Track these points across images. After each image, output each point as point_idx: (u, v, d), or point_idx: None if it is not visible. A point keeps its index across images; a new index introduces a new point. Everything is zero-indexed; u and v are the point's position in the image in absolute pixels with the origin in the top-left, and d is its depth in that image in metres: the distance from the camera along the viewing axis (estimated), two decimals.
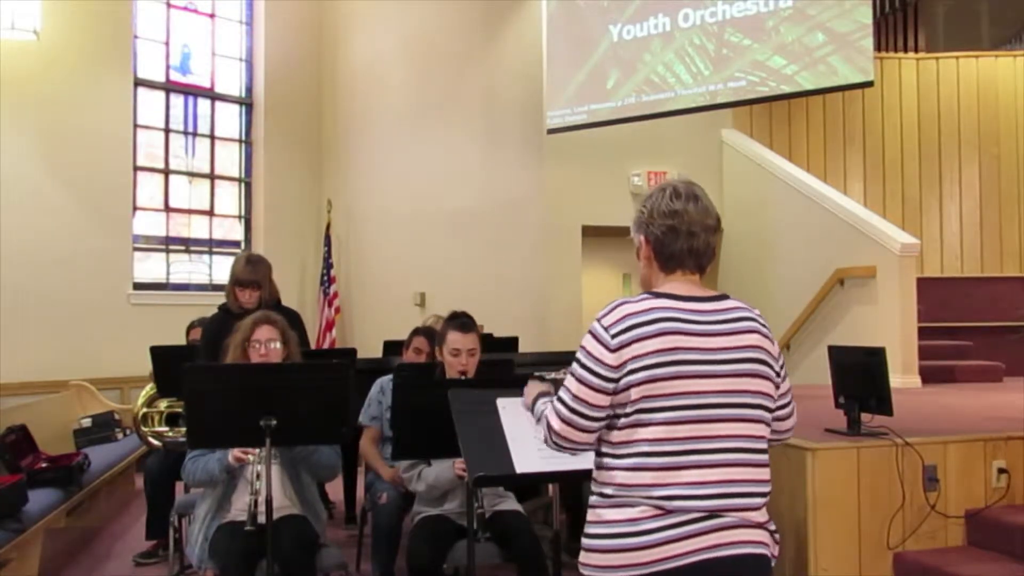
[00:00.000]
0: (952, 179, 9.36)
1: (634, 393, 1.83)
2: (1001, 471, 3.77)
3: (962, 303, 8.02)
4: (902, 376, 6.43)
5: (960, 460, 3.75)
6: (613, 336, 1.84)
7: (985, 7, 10.42)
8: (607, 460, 1.89)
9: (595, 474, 1.94)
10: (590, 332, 1.90)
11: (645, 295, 1.93)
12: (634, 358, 1.82)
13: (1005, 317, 7.94)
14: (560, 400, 1.92)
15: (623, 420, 1.85)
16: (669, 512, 1.81)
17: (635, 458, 1.83)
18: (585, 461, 2.07)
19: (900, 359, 6.44)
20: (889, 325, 6.67)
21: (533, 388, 2.19)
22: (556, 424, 1.92)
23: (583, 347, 1.90)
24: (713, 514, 1.82)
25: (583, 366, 1.88)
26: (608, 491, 1.87)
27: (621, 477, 1.85)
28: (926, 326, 6.97)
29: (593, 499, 1.91)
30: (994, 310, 8.04)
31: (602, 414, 1.88)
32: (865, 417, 3.79)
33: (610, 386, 1.85)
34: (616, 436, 1.87)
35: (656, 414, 1.82)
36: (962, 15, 10.41)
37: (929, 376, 6.76)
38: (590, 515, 1.91)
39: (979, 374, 7.20)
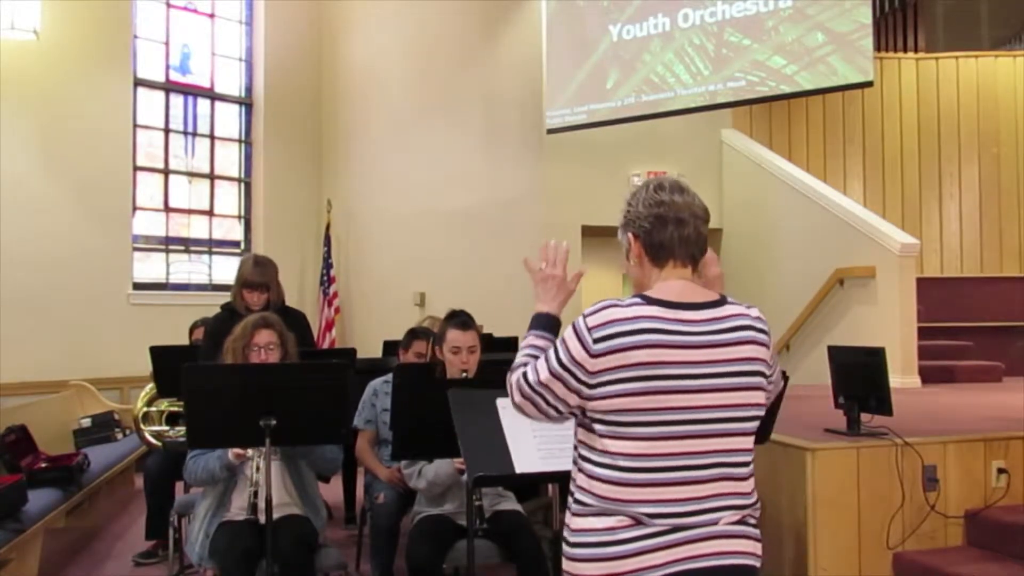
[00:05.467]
0: (952, 179, 9.35)
1: (614, 404, 1.77)
2: (1001, 471, 3.77)
3: (962, 303, 8.01)
4: (902, 376, 6.43)
5: (960, 460, 3.75)
6: (595, 341, 1.77)
7: (985, 7, 10.42)
8: (588, 466, 1.83)
9: (575, 478, 1.87)
10: (574, 328, 1.82)
11: (635, 299, 1.83)
12: (614, 368, 1.76)
13: (1005, 317, 7.95)
14: (534, 371, 1.86)
15: (601, 427, 1.80)
16: (645, 524, 1.77)
17: (615, 471, 1.78)
18: None
19: (900, 359, 6.44)
20: (889, 325, 6.66)
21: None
22: (517, 397, 1.89)
23: (564, 341, 1.83)
24: (691, 526, 1.78)
25: (559, 360, 1.82)
26: (587, 500, 1.82)
27: (601, 489, 1.80)
28: (926, 326, 6.97)
29: (572, 506, 1.85)
30: (994, 310, 8.03)
31: (564, 408, 1.84)
32: (865, 417, 3.79)
33: (583, 388, 1.79)
34: (598, 442, 1.81)
35: (637, 428, 1.77)
36: (962, 15, 10.41)
37: (929, 376, 6.75)
38: (569, 522, 1.85)
39: (979, 374, 7.20)
